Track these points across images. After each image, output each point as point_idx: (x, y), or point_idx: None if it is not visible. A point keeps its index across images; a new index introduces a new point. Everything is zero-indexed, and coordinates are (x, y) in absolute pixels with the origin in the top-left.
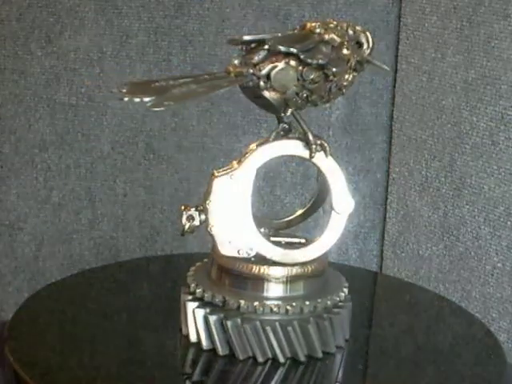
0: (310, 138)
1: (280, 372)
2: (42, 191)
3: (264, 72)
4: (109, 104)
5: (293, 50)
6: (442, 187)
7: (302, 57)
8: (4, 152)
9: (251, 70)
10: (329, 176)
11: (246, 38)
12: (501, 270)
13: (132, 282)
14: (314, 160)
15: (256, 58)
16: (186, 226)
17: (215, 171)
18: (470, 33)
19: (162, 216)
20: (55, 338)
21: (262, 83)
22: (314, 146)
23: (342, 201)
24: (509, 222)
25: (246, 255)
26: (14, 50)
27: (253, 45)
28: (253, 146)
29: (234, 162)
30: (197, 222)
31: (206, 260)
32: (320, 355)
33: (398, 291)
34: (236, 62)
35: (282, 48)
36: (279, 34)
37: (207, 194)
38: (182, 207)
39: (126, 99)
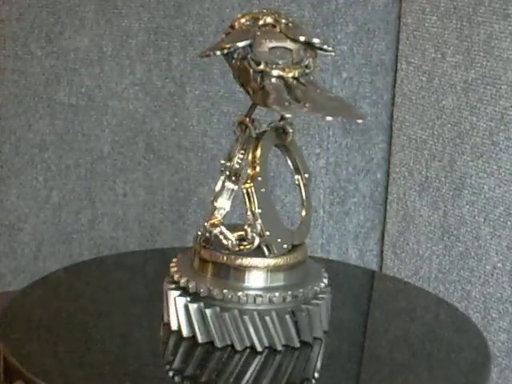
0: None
1: (258, 360)
2: (42, 191)
3: (312, 68)
4: (109, 104)
5: (326, 44)
6: (442, 187)
7: (325, 47)
8: (4, 152)
9: (305, 69)
10: (298, 156)
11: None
12: (501, 270)
13: (119, 275)
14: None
15: (294, 56)
16: (257, 241)
17: (231, 184)
18: (470, 33)
19: (162, 216)
20: (41, 329)
21: (311, 78)
22: (291, 131)
23: (307, 172)
24: (509, 222)
25: (289, 248)
26: (14, 50)
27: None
28: (233, 149)
29: (234, 164)
30: (258, 229)
31: (186, 252)
32: (297, 345)
33: (395, 292)
34: (262, 66)
35: (317, 41)
36: (262, 37)
37: (252, 204)
38: (209, 224)
39: (329, 119)
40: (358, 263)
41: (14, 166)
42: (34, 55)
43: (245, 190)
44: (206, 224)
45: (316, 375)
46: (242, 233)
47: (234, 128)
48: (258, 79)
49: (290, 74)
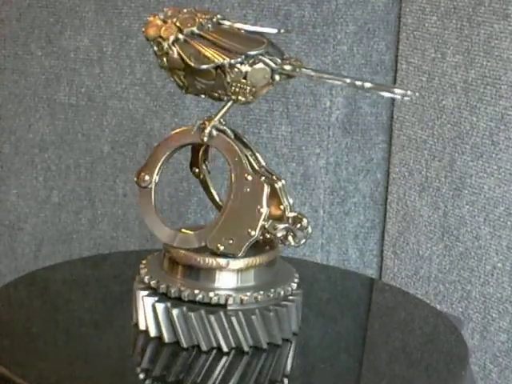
0: None
1: (224, 361)
2: (41, 191)
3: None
4: (109, 104)
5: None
6: (442, 187)
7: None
8: (4, 152)
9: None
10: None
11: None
12: (501, 270)
13: (94, 277)
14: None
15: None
16: (310, 230)
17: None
18: (469, 33)
19: (161, 216)
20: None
21: None
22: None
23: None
24: (509, 222)
25: None
26: (13, 50)
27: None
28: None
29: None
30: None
31: (157, 252)
32: (264, 346)
33: (393, 303)
34: (283, 65)
35: (274, 30)
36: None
37: (290, 197)
38: (270, 227)
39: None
40: (358, 263)
41: (13, 165)
42: (34, 55)
43: (281, 186)
44: (251, 231)
45: (284, 377)
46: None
47: (206, 135)
48: (275, 78)
49: (298, 66)
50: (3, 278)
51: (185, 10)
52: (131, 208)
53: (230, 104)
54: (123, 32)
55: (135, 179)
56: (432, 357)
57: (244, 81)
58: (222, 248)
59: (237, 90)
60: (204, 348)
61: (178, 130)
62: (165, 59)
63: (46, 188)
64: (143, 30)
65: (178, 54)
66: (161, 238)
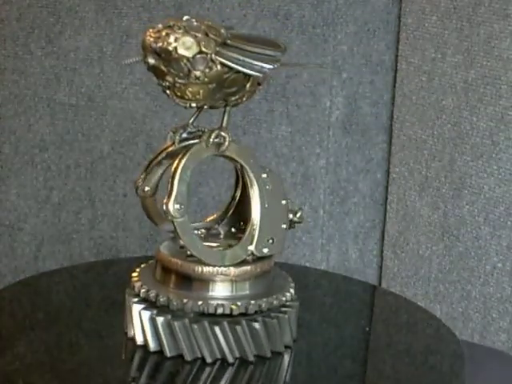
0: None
1: (229, 372)
2: (42, 191)
3: None
4: (109, 104)
5: None
6: (442, 187)
7: None
8: (4, 152)
9: None
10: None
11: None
12: (501, 270)
13: (85, 285)
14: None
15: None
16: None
17: None
18: (469, 33)
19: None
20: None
21: None
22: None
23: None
24: (509, 222)
25: None
26: (14, 50)
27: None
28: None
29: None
30: None
31: (150, 261)
32: (269, 354)
33: (393, 309)
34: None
35: None
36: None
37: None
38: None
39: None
40: (358, 263)
41: (13, 165)
42: (34, 55)
43: None
44: (283, 224)
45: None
46: None
47: (226, 146)
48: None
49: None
50: (3, 278)
51: (192, 19)
52: (131, 208)
53: (229, 109)
54: (123, 32)
55: (171, 214)
56: (436, 359)
57: (258, 82)
58: (266, 250)
59: (249, 92)
60: (208, 360)
61: (191, 151)
62: (202, 74)
63: (45, 188)
64: (174, 48)
65: (224, 65)
66: (210, 262)
